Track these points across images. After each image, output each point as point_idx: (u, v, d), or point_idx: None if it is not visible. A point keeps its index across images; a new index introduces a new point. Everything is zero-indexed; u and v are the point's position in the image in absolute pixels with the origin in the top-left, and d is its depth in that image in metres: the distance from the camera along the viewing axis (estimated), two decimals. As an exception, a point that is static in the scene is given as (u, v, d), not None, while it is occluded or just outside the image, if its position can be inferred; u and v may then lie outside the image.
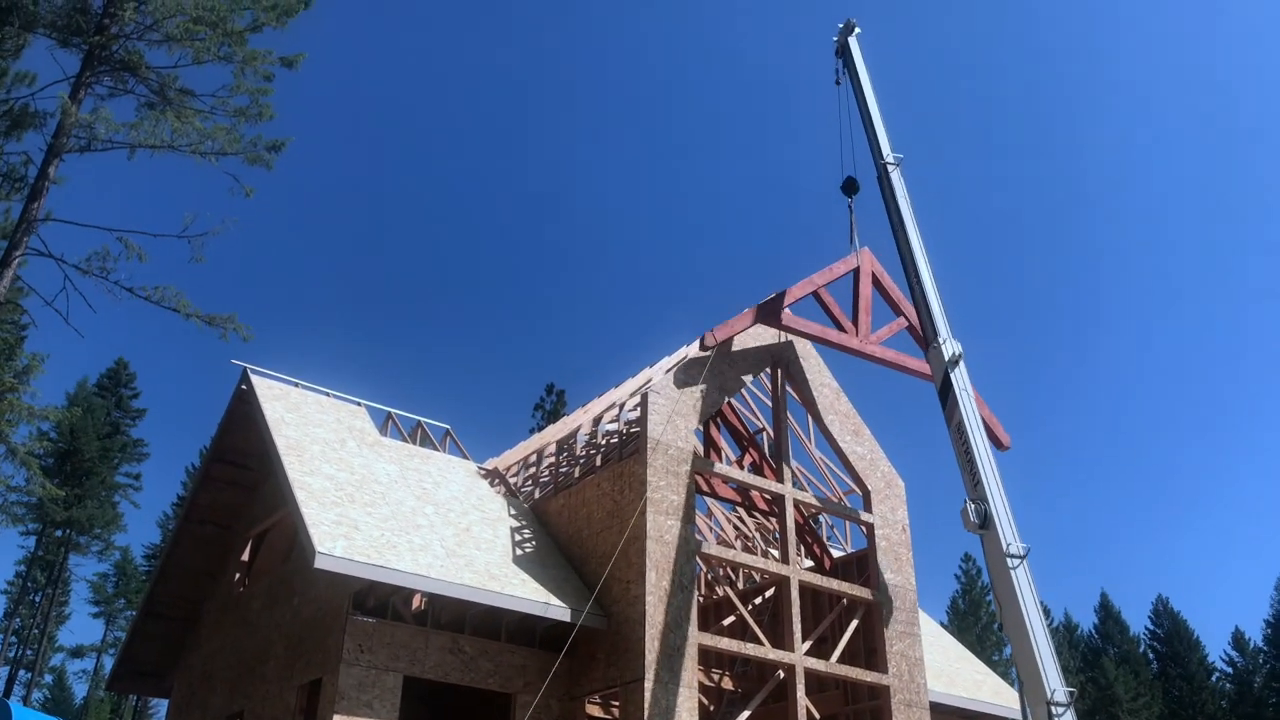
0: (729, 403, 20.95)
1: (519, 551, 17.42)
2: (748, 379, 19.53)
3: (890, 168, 19.97)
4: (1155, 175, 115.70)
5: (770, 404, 20.37)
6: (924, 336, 18.46)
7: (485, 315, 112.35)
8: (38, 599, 52.62)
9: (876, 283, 20.20)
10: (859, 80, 21.61)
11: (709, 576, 22.43)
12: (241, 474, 20.49)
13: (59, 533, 50.72)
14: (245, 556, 19.77)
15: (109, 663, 53.10)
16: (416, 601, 16.19)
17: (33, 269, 21.08)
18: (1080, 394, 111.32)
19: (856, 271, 19.97)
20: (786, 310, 18.82)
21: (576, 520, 18.11)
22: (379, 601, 15.38)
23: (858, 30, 22.37)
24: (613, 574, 16.59)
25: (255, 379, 19.33)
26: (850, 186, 21.13)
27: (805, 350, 20.53)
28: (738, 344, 19.43)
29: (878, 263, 20.32)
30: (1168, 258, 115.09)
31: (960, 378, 17.45)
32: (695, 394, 18.24)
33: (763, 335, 19.94)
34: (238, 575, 19.81)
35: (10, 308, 21.64)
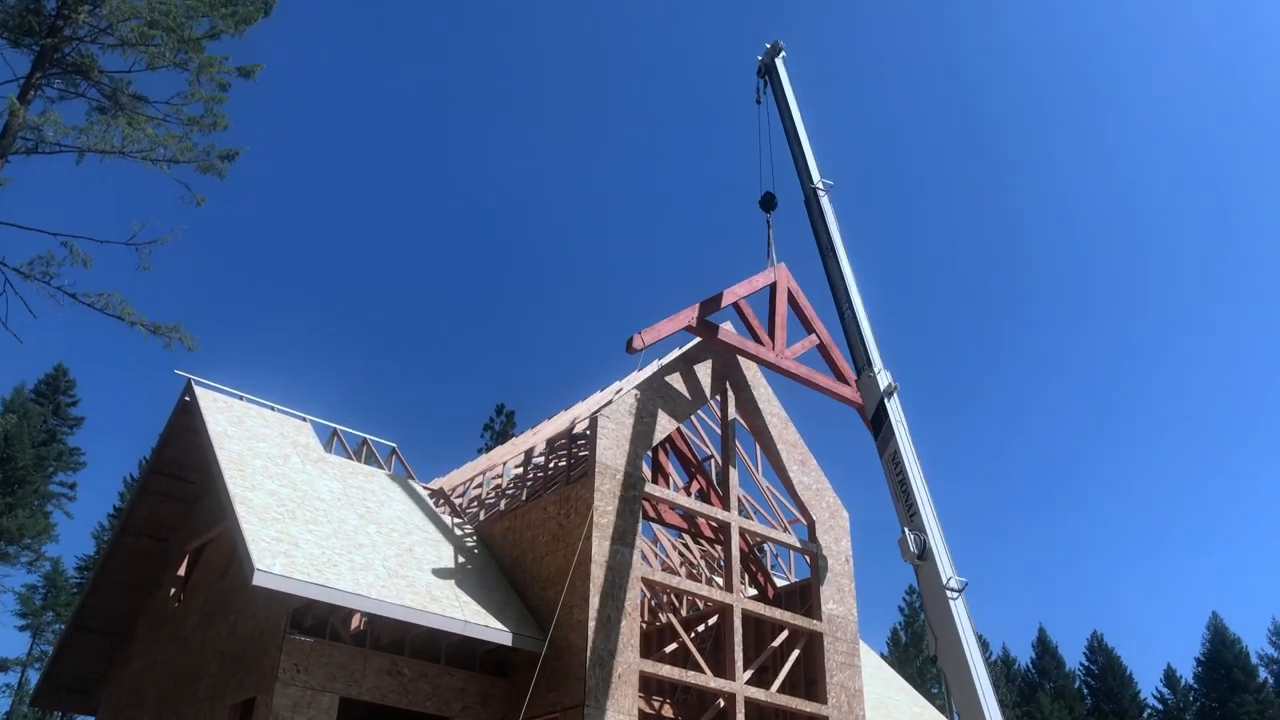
0: (678, 429, 21.01)
1: (462, 574, 17.26)
2: (698, 406, 19.60)
3: (820, 192, 20.11)
4: (1087, 209, 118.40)
5: (719, 431, 20.45)
6: (855, 364, 18.59)
7: (436, 333, 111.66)
8: (-39, 610, 51.04)
9: (791, 300, 20.53)
10: (786, 103, 21.63)
11: (653, 603, 22.38)
12: (181, 487, 20.11)
13: (-13, 542, 49.26)
14: (181, 571, 19.37)
15: (34, 677, 51.56)
16: (356, 622, 15.96)
17: (-29, 271, 20.58)
18: (1019, 430, 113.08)
19: (773, 287, 20.30)
20: (726, 325, 19.04)
21: (521, 543, 18.00)
22: (317, 621, 15.14)
23: (784, 53, 22.38)
24: (556, 598, 16.48)
25: (199, 390, 19.02)
26: (768, 202, 21.36)
27: (755, 379, 20.66)
28: (688, 371, 19.50)
29: (793, 280, 20.67)
30: (1106, 289, 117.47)
31: (895, 408, 17.58)
32: (645, 419, 18.25)
33: (712, 364, 20.03)
34: (173, 590, 19.41)
35: (-53, 310, 21.06)
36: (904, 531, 16.33)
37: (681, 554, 23.56)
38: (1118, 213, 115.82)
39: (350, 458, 20.45)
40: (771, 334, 19.76)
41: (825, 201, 20.04)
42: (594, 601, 15.88)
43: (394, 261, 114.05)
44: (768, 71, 22.58)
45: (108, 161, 20.22)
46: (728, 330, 19.27)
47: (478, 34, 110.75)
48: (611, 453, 17.33)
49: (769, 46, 22.62)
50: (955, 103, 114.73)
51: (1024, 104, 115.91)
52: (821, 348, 20.47)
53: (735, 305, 19.56)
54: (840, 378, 20.24)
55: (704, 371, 19.80)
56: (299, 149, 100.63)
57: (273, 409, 20.13)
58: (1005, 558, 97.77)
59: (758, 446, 20.69)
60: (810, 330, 20.59)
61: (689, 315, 18.40)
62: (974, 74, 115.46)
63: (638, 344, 17.53)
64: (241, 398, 19.76)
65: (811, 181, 20.31)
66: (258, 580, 13.67)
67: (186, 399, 19.14)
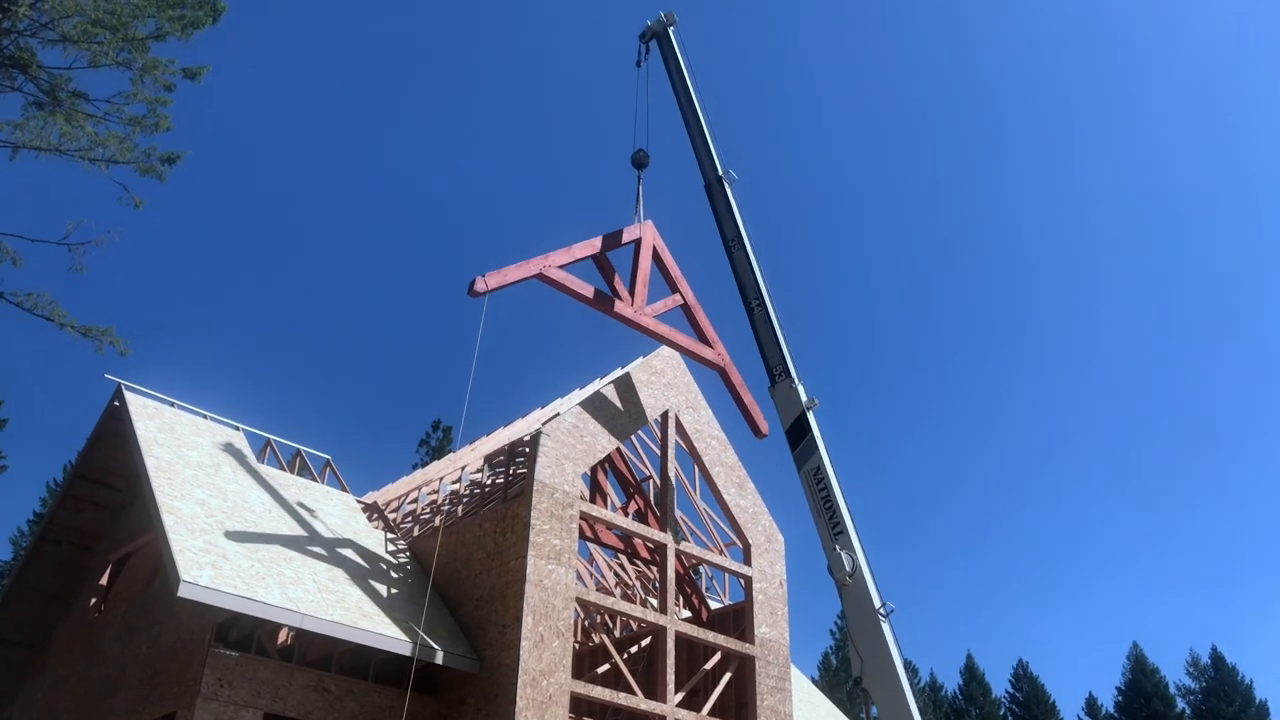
0: (618, 449, 21.00)
1: (394, 590, 17.05)
2: (638, 427, 19.63)
3: (724, 181, 19.92)
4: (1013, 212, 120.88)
5: (658, 452, 20.49)
6: (768, 368, 18.44)
7: (373, 345, 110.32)
8: None
9: (657, 258, 20.43)
10: (683, 82, 21.11)
11: (586, 623, 22.30)
12: (107, 494, 19.60)
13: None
14: (104, 581, 18.86)
15: (-58, 687, 49.74)
16: (282, 636, 15.68)
17: (-103, 266, 20.00)
18: (949, 458, 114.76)
19: (638, 243, 20.09)
20: (561, 269, 18.16)
21: (456, 560, 17.83)
22: (243, 634, 14.84)
23: (676, 26, 21.78)
24: (488, 617, 16.36)
25: (129, 395, 18.59)
26: (640, 161, 21.13)
27: (695, 401, 20.77)
28: (629, 392, 19.54)
29: (660, 238, 20.61)
30: (1050, 310, 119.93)
31: (814, 422, 17.60)
32: (586, 438, 18.22)
33: (654, 385, 20.10)
34: (93, 600, 18.87)
35: None
36: (834, 550, 16.41)
37: (617, 574, 23.53)
38: (1079, 217, 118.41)
39: (283, 469, 20.12)
40: (632, 290, 19.40)
41: (730, 191, 19.96)
42: (527, 621, 15.77)
43: (331, 272, 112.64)
44: (656, 40, 21.94)
45: (44, 158, 19.85)
46: (573, 278, 18.33)
47: (442, 34, 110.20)
48: (550, 471, 17.27)
49: (662, 16, 21.93)
50: (900, 96, 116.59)
51: (980, 99, 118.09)
52: (686, 308, 20.43)
53: (594, 259, 19.10)
54: (703, 339, 20.25)
55: (645, 392, 19.84)
56: (240, 154, 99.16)
57: (205, 417, 19.75)
58: (935, 584, 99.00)
59: (696, 468, 20.76)
60: (675, 289, 20.49)
61: (540, 263, 17.63)
62: (919, 64, 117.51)
63: (480, 287, 16.57)
64: (173, 404, 19.35)
65: (715, 170, 20.14)
66: (183, 592, 13.36)
67: (116, 404, 18.69)
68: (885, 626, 15.65)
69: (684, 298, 20.39)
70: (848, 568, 16.05)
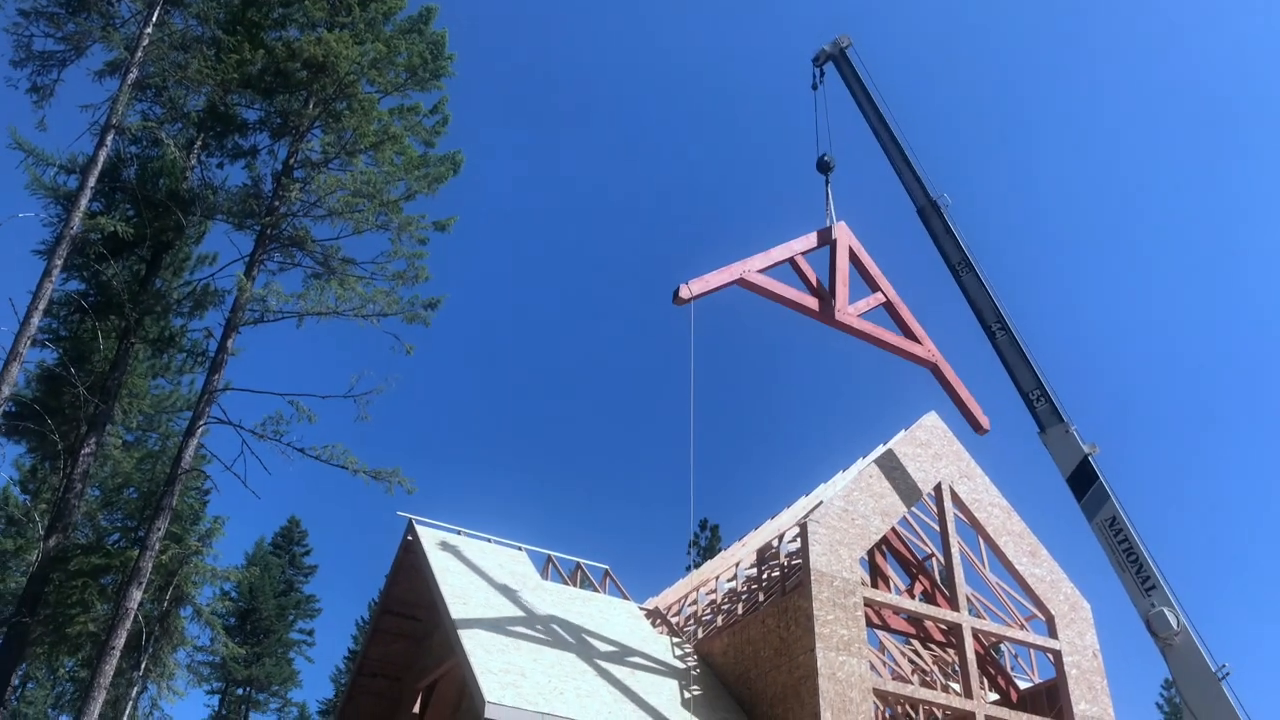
0: (894, 529, 20.28)
1: (686, 695, 16.95)
2: (911, 503, 18.89)
3: (939, 205, 19.27)
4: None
5: (937, 528, 19.59)
6: (1026, 398, 17.49)
7: (633, 454, 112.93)
8: (221, 758, 54.05)
9: (854, 258, 19.58)
10: (871, 105, 20.62)
11: (887, 715, 21.30)
12: (410, 625, 20.78)
13: (240, 691, 52.40)
14: (416, 709, 19.85)
15: (288, 821, 53.70)
16: (586, 750, 15.84)
17: (213, 436, 22.46)
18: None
19: (833, 245, 19.36)
20: (762, 274, 17.92)
21: (743, 659, 17.57)
22: (548, 750, 15.11)
23: (850, 46, 21.33)
24: (784, 715, 15.92)
25: (420, 529, 19.77)
26: (825, 165, 20.66)
27: (969, 469, 19.79)
28: (896, 467, 18.89)
29: (855, 237, 19.76)
30: None
31: (1098, 469, 16.33)
32: (858, 521, 17.69)
33: (920, 458, 19.33)
34: (409, 728, 19.87)
35: (195, 475, 22.95)
36: (1150, 606, 14.99)
37: (911, 661, 22.44)
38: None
39: (566, 582, 20.68)
40: (833, 292, 18.76)
41: (945, 215, 19.22)
42: (825, 717, 15.20)
43: (583, 386, 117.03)
44: (833, 64, 21.56)
45: (324, 321, 21.87)
46: (776, 282, 18.08)
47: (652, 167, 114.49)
48: (826, 559, 16.82)
49: (837, 38, 21.55)
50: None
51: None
52: (888, 306, 19.58)
53: (791, 261, 18.63)
54: (910, 336, 19.26)
55: (912, 467, 19.11)
56: (494, 284, 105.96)
57: (489, 541, 20.68)
58: (1260, 636, 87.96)
59: (981, 540, 19.66)
60: (875, 288, 19.65)
61: (740, 267, 17.40)
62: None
63: (684, 294, 16.43)
64: (459, 532, 20.40)
65: (925, 195, 19.50)
66: (490, 713, 13.81)
67: (409, 538, 19.92)
68: (1226, 689, 14.02)
69: (885, 295, 19.75)
70: (1173, 625, 14.54)
